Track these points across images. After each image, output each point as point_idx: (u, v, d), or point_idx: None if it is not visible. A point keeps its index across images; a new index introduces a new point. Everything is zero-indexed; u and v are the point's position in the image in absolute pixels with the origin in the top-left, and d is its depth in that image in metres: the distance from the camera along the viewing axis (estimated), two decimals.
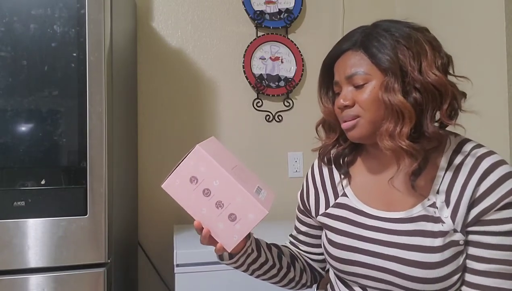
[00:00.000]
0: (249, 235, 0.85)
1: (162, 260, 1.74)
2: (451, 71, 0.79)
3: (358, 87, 0.78)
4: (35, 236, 1.11)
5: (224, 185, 0.74)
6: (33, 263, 1.11)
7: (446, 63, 0.77)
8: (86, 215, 1.13)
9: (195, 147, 0.75)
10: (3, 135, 1.11)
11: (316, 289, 1.05)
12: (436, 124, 0.77)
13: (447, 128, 0.80)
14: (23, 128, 1.12)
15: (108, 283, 1.15)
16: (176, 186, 0.76)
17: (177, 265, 1.32)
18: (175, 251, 1.32)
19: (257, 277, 0.92)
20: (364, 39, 0.78)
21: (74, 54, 1.14)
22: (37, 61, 1.13)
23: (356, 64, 0.78)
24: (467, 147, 0.77)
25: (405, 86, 0.74)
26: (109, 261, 1.17)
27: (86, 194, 1.13)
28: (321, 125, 0.91)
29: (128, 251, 1.55)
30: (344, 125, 0.81)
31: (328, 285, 0.96)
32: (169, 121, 1.80)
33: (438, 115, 0.76)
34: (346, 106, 0.79)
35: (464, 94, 0.78)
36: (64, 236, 1.12)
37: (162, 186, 0.76)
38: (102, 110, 1.14)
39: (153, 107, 1.79)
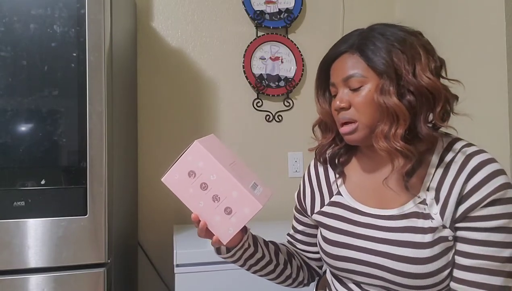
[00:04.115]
0: (246, 230, 0.87)
1: (162, 260, 1.74)
2: (443, 75, 0.81)
3: (354, 90, 0.80)
4: (35, 236, 1.11)
5: (221, 179, 0.76)
6: (33, 263, 1.11)
7: (439, 67, 0.79)
8: (86, 215, 1.13)
9: (194, 142, 0.77)
10: (3, 135, 1.11)
11: (316, 289, 1.05)
12: (429, 125, 0.78)
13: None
14: (23, 128, 1.12)
15: (108, 283, 1.15)
16: (175, 179, 0.78)
17: (177, 265, 1.32)
18: (175, 251, 1.32)
19: (254, 272, 0.93)
20: (360, 42, 0.80)
21: (74, 54, 1.14)
22: (37, 61, 1.13)
23: (352, 66, 0.80)
24: (457, 145, 0.79)
25: (400, 89, 0.76)
26: (109, 261, 1.17)
27: (86, 194, 1.13)
28: (317, 125, 0.93)
29: (128, 251, 1.55)
30: (342, 130, 0.83)
31: (327, 287, 0.96)
32: (169, 121, 1.80)
33: (431, 117, 0.78)
34: (342, 108, 0.81)
35: (456, 97, 0.80)
36: (64, 236, 1.12)
37: (162, 180, 0.79)
38: (102, 110, 1.14)
39: (153, 107, 1.79)
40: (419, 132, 0.77)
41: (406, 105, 0.75)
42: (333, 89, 0.85)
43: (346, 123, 0.82)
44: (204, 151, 0.77)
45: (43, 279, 1.11)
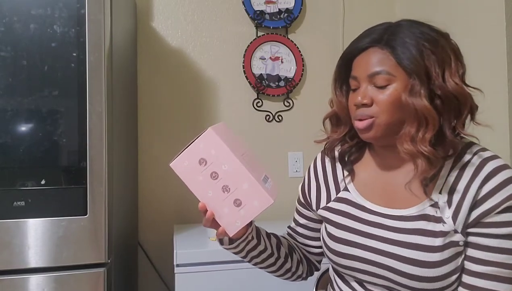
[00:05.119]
0: (250, 222, 0.85)
1: (162, 260, 1.74)
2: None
3: (379, 87, 0.76)
4: (35, 236, 1.11)
5: (232, 170, 0.74)
6: (33, 263, 1.11)
7: (464, 74, 0.77)
8: (86, 215, 1.13)
9: (207, 130, 0.75)
10: (3, 135, 1.11)
11: (316, 289, 1.05)
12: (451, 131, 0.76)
13: None
14: (23, 128, 1.12)
15: (108, 283, 1.15)
16: (185, 166, 0.75)
17: (177, 265, 1.32)
18: (175, 251, 1.33)
19: (255, 264, 0.92)
20: (390, 37, 0.76)
21: (74, 54, 1.14)
22: (37, 61, 1.13)
23: (380, 62, 0.76)
24: (473, 149, 0.78)
25: (429, 92, 0.74)
26: (109, 261, 1.17)
27: (86, 194, 1.13)
28: (328, 118, 0.90)
29: (128, 251, 1.55)
30: (359, 125, 0.79)
31: (329, 284, 0.96)
32: (169, 121, 1.80)
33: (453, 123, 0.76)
34: (364, 105, 0.78)
35: (477, 107, 0.78)
36: (64, 236, 1.12)
37: (170, 165, 0.76)
38: (102, 110, 1.14)
39: (153, 107, 1.79)
40: (446, 138, 0.75)
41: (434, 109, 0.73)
42: (354, 83, 0.81)
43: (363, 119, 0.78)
44: (218, 139, 0.74)
45: (43, 279, 1.11)
